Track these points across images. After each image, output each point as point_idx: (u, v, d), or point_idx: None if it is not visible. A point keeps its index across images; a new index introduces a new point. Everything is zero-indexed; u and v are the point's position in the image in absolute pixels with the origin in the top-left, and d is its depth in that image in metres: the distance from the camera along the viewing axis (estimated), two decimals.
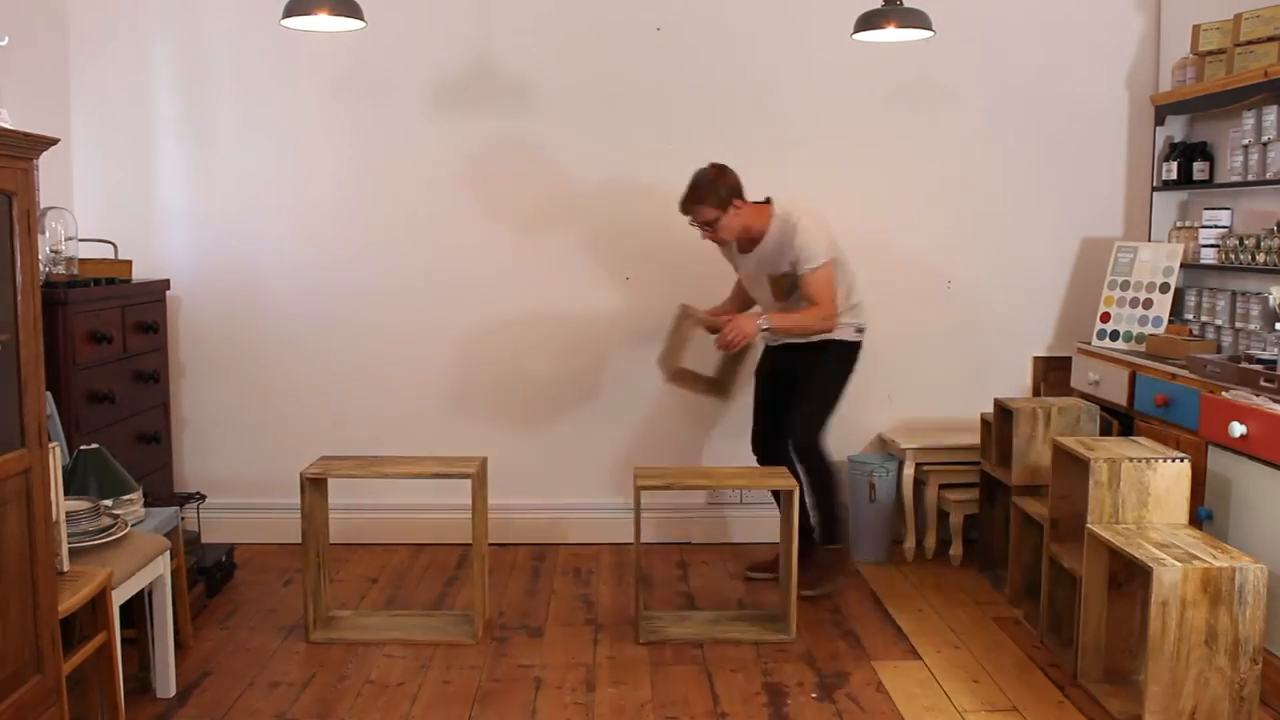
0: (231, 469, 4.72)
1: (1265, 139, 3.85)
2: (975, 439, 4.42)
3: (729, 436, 4.60)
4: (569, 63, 4.59)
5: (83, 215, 4.42)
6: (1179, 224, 4.50)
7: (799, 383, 4.05)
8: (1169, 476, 3.30)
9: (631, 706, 3.20)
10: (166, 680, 3.24)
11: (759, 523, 4.64)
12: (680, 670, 3.45)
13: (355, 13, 3.76)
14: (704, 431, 4.62)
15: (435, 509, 4.69)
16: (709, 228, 3.93)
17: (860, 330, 4.11)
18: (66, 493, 2.98)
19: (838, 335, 4.02)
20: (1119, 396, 4.13)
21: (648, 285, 4.67)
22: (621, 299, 4.69)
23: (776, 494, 4.03)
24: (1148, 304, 4.40)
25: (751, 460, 4.28)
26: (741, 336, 3.87)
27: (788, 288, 3.99)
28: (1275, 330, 3.64)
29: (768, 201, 4.01)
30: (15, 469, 2.46)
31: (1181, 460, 3.31)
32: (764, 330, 3.93)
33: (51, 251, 3.93)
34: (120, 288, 4.12)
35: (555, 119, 4.60)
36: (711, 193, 3.88)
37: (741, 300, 4.24)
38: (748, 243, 4.02)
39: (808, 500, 4.00)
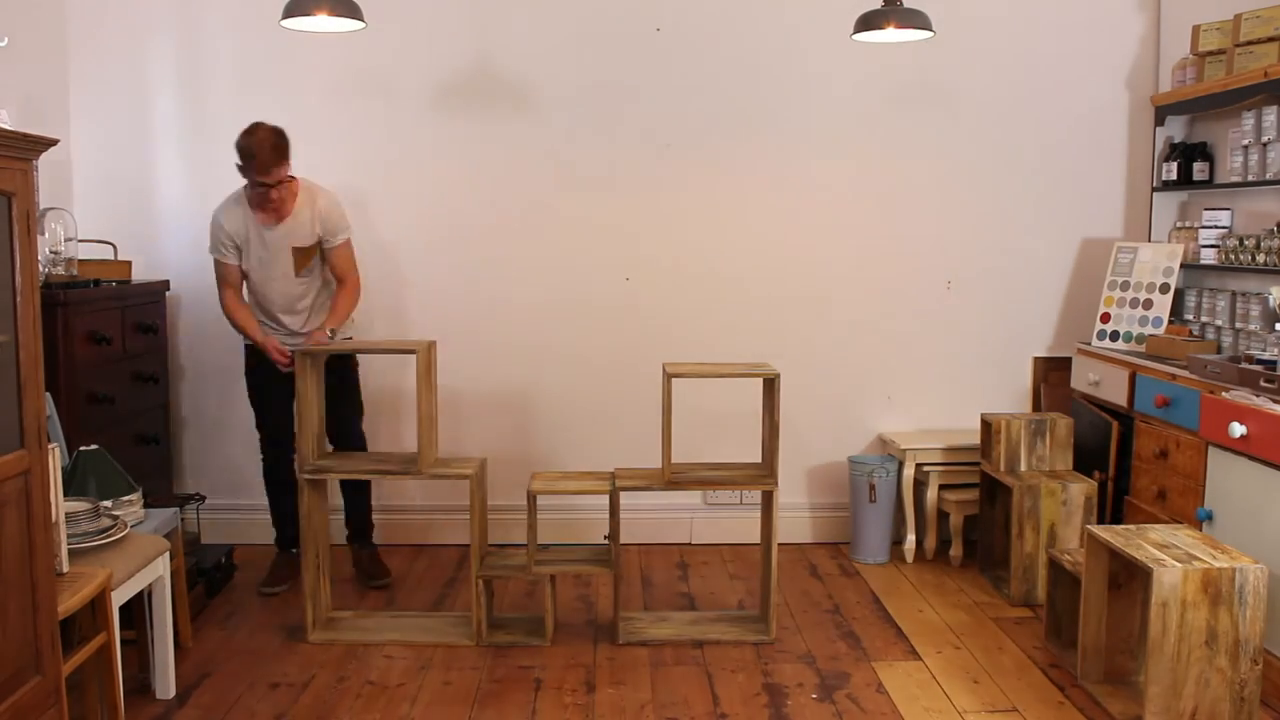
0: (231, 470, 4.71)
1: (1265, 139, 3.85)
2: (975, 439, 4.42)
3: (724, 438, 4.59)
4: (569, 63, 4.58)
5: (83, 215, 4.42)
6: (1179, 224, 4.50)
7: (341, 389, 4.13)
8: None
9: (631, 707, 3.20)
10: (166, 681, 3.24)
11: (759, 523, 4.64)
12: (680, 671, 3.45)
13: (355, 13, 3.76)
14: (699, 433, 4.60)
15: (435, 509, 4.69)
16: (279, 188, 3.87)
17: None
18: (66, 494, 2.98)
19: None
20: (1119, 397, 4.13)
21: (648, 285, 4.68)
22: (621, 299, 4.69)
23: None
24: (1148, 304, 4.40)
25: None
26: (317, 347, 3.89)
27: (310, 258, 4.03)
28: (1275, 330, 3.63)
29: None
30: (15, 470, 2.46)
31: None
32: (331, 338, 4.01)
33: (51, 252, 3.92)
34: (120, 289, 4.12)
35: (555, 119, 4.60)
36: (281, 154, 3.85)
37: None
38: (281, 211, 3.97)
39: (356, 503, 4.33)
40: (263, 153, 3.79)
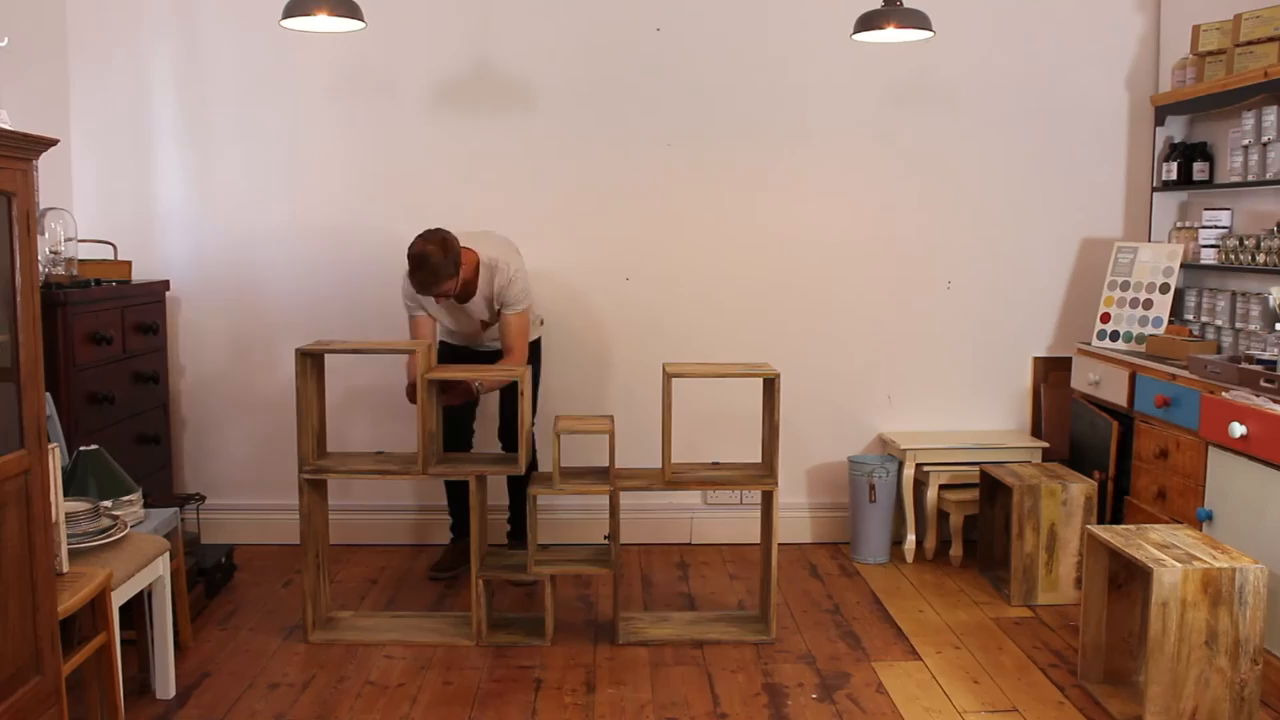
0: (231, 469, 4.71)
1: (1265, 139, 3.85)
2: (974, 440, 4.42)
3: (724, 438, 4.59)
4: (569, 63, 4.59)
5: (82, 216, 4.42)
6: (1179, 224, 4.50)
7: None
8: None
9: (631, 707, 3.20)
10: (166, 681, 3.24)
11: (759, 523, 4.64)
12: (680, 671, 3.45)
13: (355, 13, 3.76)
14: (699, 433, 4.61)
15: (435, 509, 4.69)
16: (447, 295, 3.99)
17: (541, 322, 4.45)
18: (66, 494, 2.98)
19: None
20: (1119, 397, 4.13)
21: (648, 285, 4.68)
22: (621, 299, 4.69)
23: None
24: (1148, 304, 4.40)
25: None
26: (462, 398, 4.11)
27: (494, 316, 4.14)
28: (1275, 330, 3.64)
29: (469, 249, 4.02)
30: (15, 470, 2.46)
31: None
32: (477, 391, 4.13)
33: (51, 252, 3.92)
34: (120, 288, 4.12)
35: (555, 119, 4.60)
36: (445, 269, 3.87)
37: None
38: (464, 293, 4.07)
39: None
40: (425, 273, 3.83)
